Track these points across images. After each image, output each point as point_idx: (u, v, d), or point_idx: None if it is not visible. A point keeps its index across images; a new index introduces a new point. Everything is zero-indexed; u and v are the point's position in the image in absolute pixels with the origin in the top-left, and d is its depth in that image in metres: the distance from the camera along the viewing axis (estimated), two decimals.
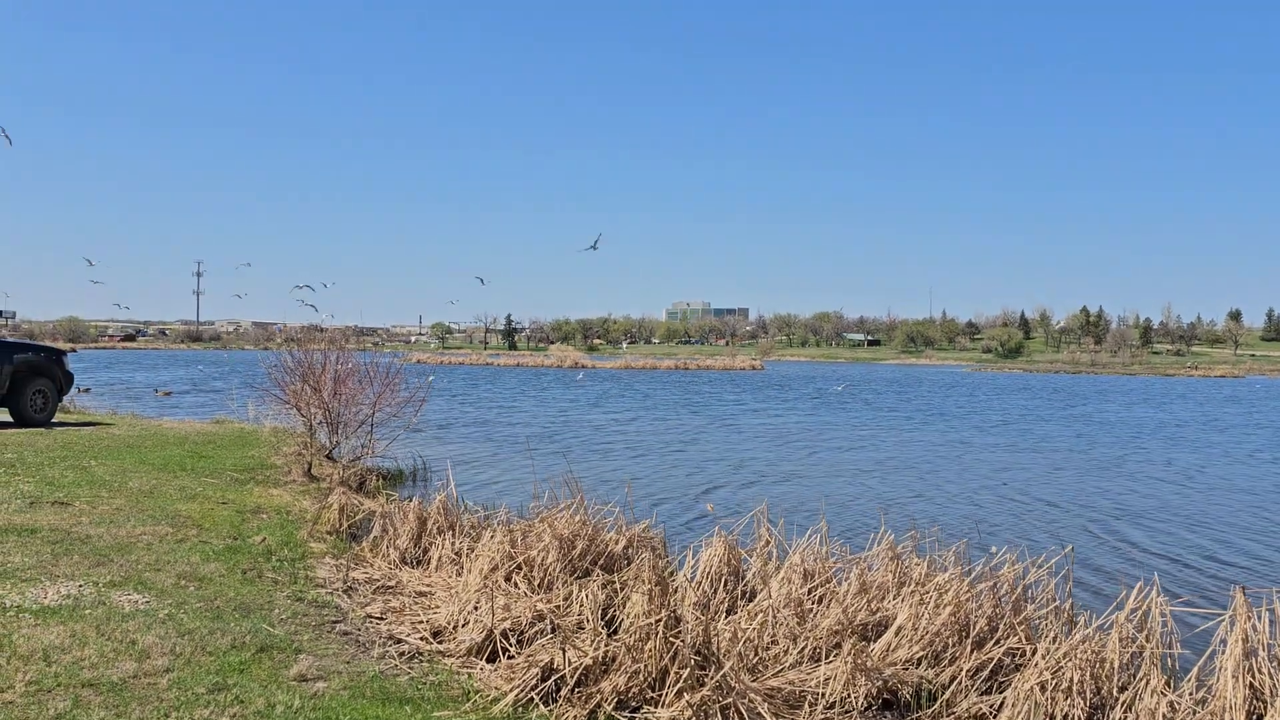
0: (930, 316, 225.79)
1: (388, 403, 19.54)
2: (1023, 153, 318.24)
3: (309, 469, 17.20)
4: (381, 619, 8.67)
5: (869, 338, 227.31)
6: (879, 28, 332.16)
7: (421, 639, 8.08)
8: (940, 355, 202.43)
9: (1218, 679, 6.75)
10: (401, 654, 7.70)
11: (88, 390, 27.68)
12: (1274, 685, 6.55)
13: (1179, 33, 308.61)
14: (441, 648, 7.89)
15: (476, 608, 8.27)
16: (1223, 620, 7.12)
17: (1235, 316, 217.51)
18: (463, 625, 8.13)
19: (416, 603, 9.20)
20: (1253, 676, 6.75)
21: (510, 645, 7.63)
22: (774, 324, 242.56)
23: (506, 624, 7.78)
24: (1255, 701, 6.63)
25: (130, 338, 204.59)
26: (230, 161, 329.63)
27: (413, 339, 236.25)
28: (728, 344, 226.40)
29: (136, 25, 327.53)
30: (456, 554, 10.75)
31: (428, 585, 9.93)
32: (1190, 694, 6.88)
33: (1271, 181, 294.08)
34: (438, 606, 8.92)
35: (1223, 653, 6.89)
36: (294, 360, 19.63)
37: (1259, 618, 7.04)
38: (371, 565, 10.74)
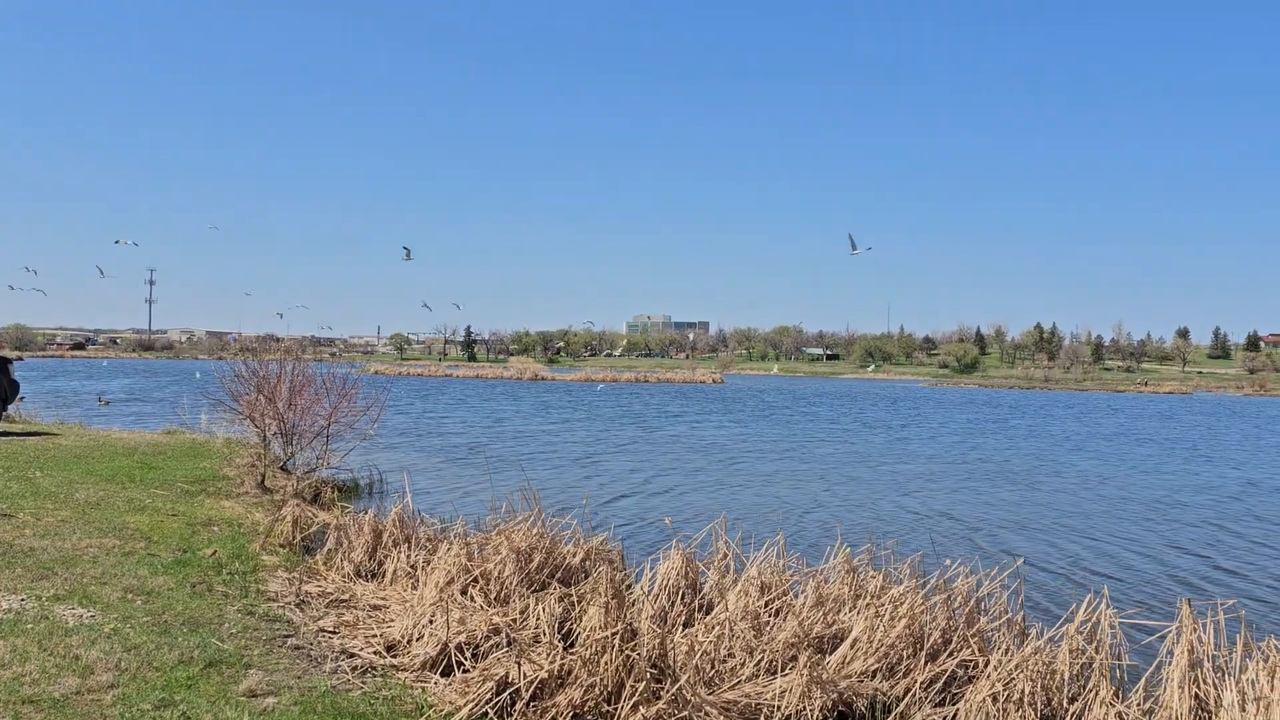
0: (888, 331, 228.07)
1: (344, 414, 19.33)
2: (980, 170, 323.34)
3: (262, 481, 16.96)
4: (334, 633, 8.55)
5: (828, 352, 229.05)
6: (839, 46, 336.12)
7: (375, 653, 7.98)
8: (898, 370, 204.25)
9: (1164, 690, 6.86)
10: (354, 668, 7.59)
11: (22, 399, 27.10)
12: (1218, 696, 6.66)
13: (1126, 53, 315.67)
14: (395, 662, 7.80)
15: (431, 621, 8.19)
16: (1169, 632, 7.23)
17: (1183, 334, 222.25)
18: (417, 639, 8.05)
19: (371, 616, 9.09)
20: (1198, 687, 6.87)
21: (465, 659, 7.56)
22: (734, 338, 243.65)
23: (462, 637, 7.71)
24: (1200, 712, 6.75)
25: (79, 346, 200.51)
26: (187, 170, 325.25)
27: (371, 349, 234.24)
28: (688, 357, 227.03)
29: (85, 31, 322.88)
30: (412, 567, 10.65)
31: (382, 599, 9.82)
32: (1138, 705, 6.98)
33: (1218, 204, 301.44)
34: (392, 620, 8.82)
35: (1169, 664, 7.00)
36: (248, 370, 19.35)
37: (1204, 629, 7.17)
38: (325, 578, 10.59)
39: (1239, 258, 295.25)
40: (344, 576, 10.68)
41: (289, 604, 9.36)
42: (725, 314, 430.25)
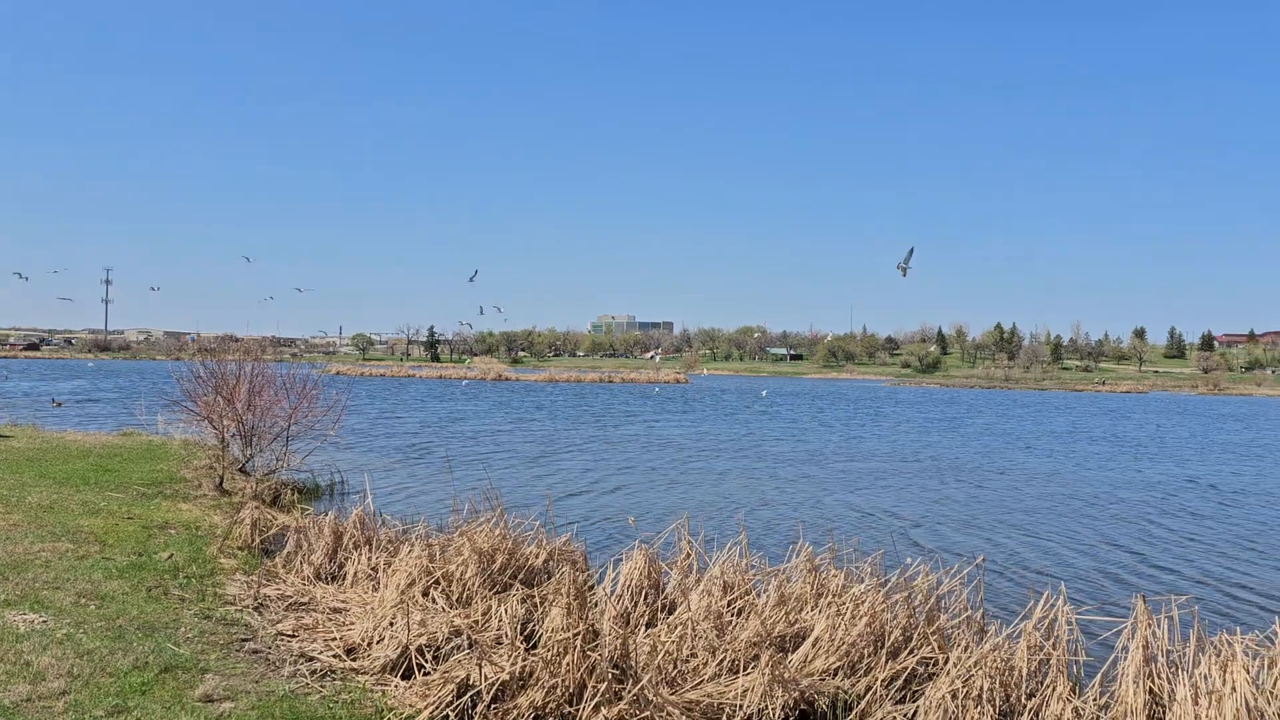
0: (851, 332, 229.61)
1: (304, 415, 19.11)
2: (941, 171, 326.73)
3: (220, 483, 16.73)
4: (293, 636, 8.45)
5: (792, 352, 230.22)
6: (803, 44, 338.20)
7: (335, 656, 7.89)
8: (861, 370, 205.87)
9: (1120, 685, 6.94)
10: (313, 672, 7.51)
11: None
12: (1172, 690, 6.76)
13: (1088, 51, 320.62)
14: (355, 665, 7.72)
15: (392, 624, 8.11)
16: (1124, 628, 7.33)
17: (1140, 335, 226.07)
18: (377, 642, 7.97)
19: (330, 619, 8.99)
20: (1152, 681, 6.96)
21: (426, 661, 7.50)
22: (698, 338, 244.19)
23: (422, 640, 7.64)
24: (1155, 706, 6.84)
25: (34, 346, 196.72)
26: (142, 172, 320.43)
27: (333, 349, 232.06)
28: (652, 357, 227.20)
29: (44, 40, 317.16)
30: (373, 569, 10.55)
31: (343, 601, 9.71)
32: (1094, 700, 7.07)
33: (1175, 207, 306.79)
34: (352, 623, 8.73)
35: (1125, 659, 7.09)
36: (206, 371, 19.08)
37: (1158, 624, 7.27)
38: (284, 581, 10.46)
39: (1194, 259, 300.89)
40: (304, 579, 10.55)
41: (247, 607, 9.23)
42: (689, 314, 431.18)
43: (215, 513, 14.31)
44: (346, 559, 10.98)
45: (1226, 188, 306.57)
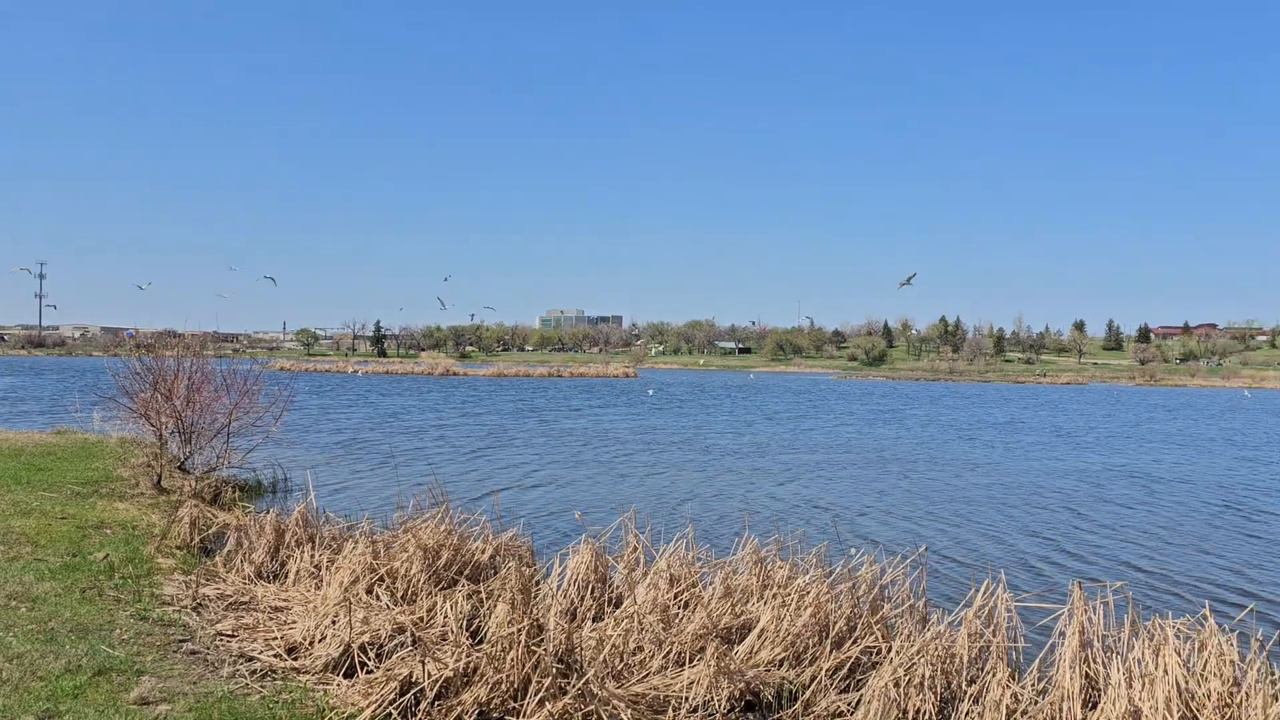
0: (799, 325, 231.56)
1: (246, 411, 18.78)
2: (885, 165, 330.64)
3: (159, 481, 16.38)
4: (233, 636, 8.30)
5: (740, 345, 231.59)
6: (746, 41, 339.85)
7: (275, 656, 7.76)
8: (808, 363, 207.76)
9: (1057, 669, 7.08)
10: (253, 672, 7.38)
11: None
12: (1107, 674, 6.91)
13: (1028, 39, 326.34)
14: (297, 664, 7.60)
15: (335, 622, 8.00)
16: (1062, 614, 7.48)
17: (1079, 327, 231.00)
18: (319, 640, 7.86)
19: (271, 618, 8.85)
20: (1088, 666, 7.11)
21: (369, 659, 7.41)
22: (647, 331, 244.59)
23: (365, 637, 7.55)
24: (1090, 690, 6.99)
25: None
26: (83, 162, 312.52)
27: (277, 345, 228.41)
28: (601, 351, 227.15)
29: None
30: (316, 567, 10.40)
31: (284, 600, 9.56)
32: (1032, 685, 7.20)
33: (1110, 200, 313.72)
34: (294, 622, 8.60)
35: (1062, 645, 7.23)
36: (144, 367, 18.65)
37: (1094, 610, 7.43)
38: (224, 580, 10.27)
39: (1132, 253, 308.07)
40: (244, 578, 10.37)
41: (185, 607, 9.05)
42: (639, 308, 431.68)
43: (153, 511, 14.01)
44: (289, 557, 10.81)
45: (1163, 183, 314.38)
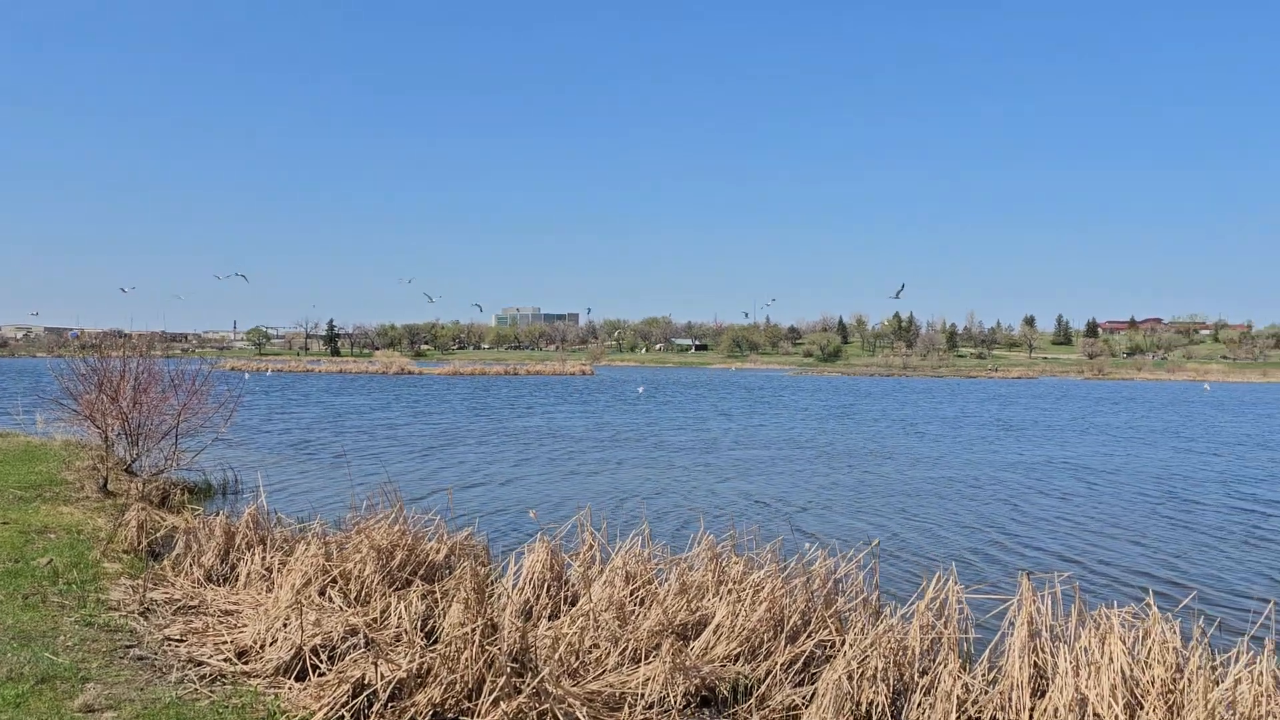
0: (755, 322, 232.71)
1: (194, 411, 18.47)
2: (841, 162, 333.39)
3: (105, 484, 16.06)
4: (181, 641, 8.16)
5: (697, 342, 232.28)
6: (705, 41, 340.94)
7: (225, 660, 7.65)
8: (765, 359, 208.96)
9: (1007, 659, 7.19)
10: (202, 677, 7.26)
11: None
12: (1055, 662, 7.03)
13: (983, 37, 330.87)
14: (247, 668, 7.49)
15: (286, 624, 7.90)
16: (1011, 605, 7.59)
17: (1030, 322, 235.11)
18: (270, 643, 7.75)
19: (221, 622, 8.71)
20: (1037, 655, 7.23)
21: (321, 662, 7.33)
22: (604, 329, 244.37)
23: (317, 640, 7.46)
24: (1039, 679, 7.11)
25: None
26: (23, 159, 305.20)
27: (227, 345, 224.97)
28: (558, 349, 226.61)
29: None
30: (267, 569, 10.26)
31: (234, 603, 9.42)
32: (983, 675, 7.31)
33: (1061, 197, 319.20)
34: (244, 625, 8.47)
35: (1011, 634, 7.34)
36: (88, 367, 18.27)
37: (1042, 600, 7.55)
38: (173, 585, 10.10)
39: (1081, 249, 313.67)
40: (193, 582, 10.21)
41: (132, 613, 8.88)
42: (595, 306, 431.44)
43: (99, 515, 13.73)
44: (239, 560, 10.66)
45: (1110, 181, 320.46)
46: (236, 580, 10.26)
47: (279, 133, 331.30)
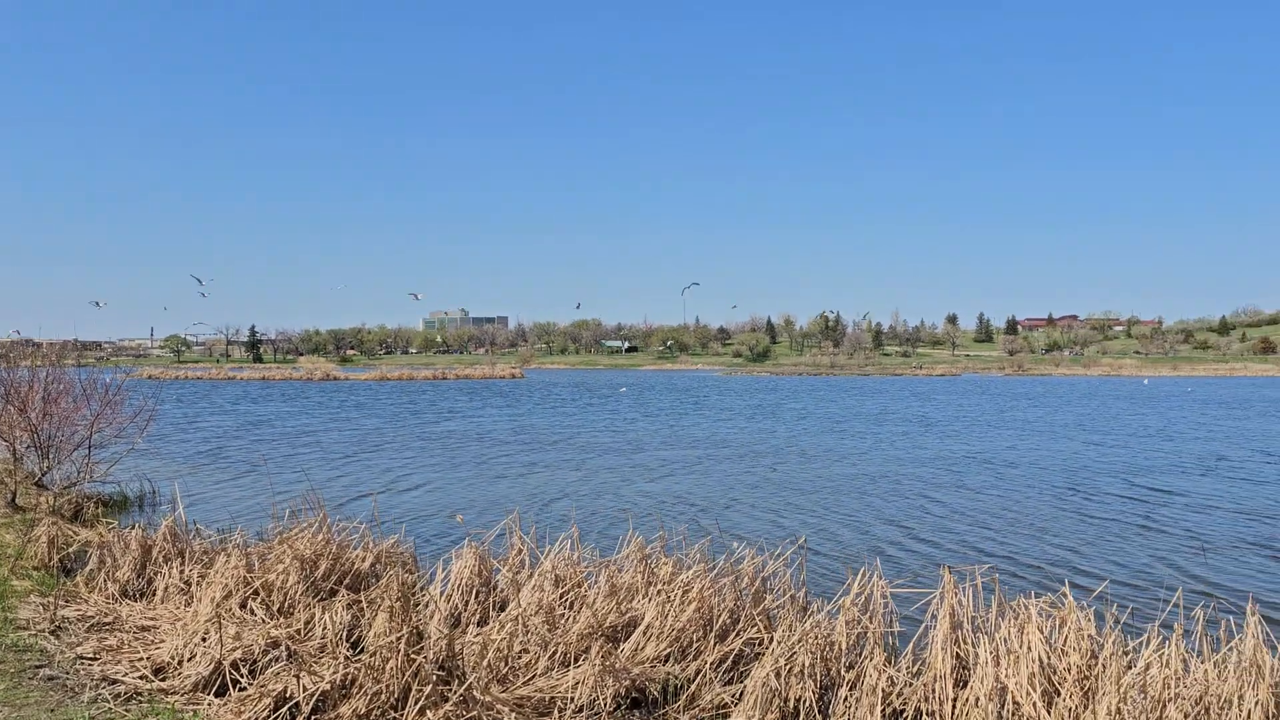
0: (684, 323, 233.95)
1: (108, 422, 17.89)
2: (766, 164, 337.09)
3: (13, 499, 15.48)
4: (95, 659, 7.89)
5: (627, 344, 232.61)
6: (630, 47, 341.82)
7: (141, 677, 7.41)
8: (695, 360, 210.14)
9: (930, 651, 7.32)
10: (117, 696, 7.03)
11: None
12: (976, 654, 7.18)
13: (907, 43, 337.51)
14: (165, 685, 7.27)
15: (205, 639, 7.69)
16: (933, 597, 7.73)
17: (952, 320, 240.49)
18: (189, 659, 7.54)
19: (137, 638, 8.44)
20: (959, 646, 7.37)
21: (242, 676, 7.15)
22: (534, 332, 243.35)
23: (238, 654, 7.28)
24: (961, 670, 7.25)
25: None
26: None
27: (144, 352, 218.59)
28: (487, 352, 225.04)
29: None
30: (186, 583, 9.99)
31: (152, 619, 9.14)
32: (907, 667, 7.43)
33: (981, 198, 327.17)
34: (162, 641, 8.23)
35: (934, 627, 7.48)
36: None
37: (963, 593, 7.71)
38: (86, 601, 9.77)
39: (1000, 247, 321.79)
40: (108, 598, 9.89)
41: (43, 631, 8.57)
42: (524, 308, 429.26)
43: (7, 531, 13.23)
44: (156, 574, 10.35)
45: (1026, 182, 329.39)
46: (153, 595, 9.97)
47: (194, 132, 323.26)
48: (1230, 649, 6.88)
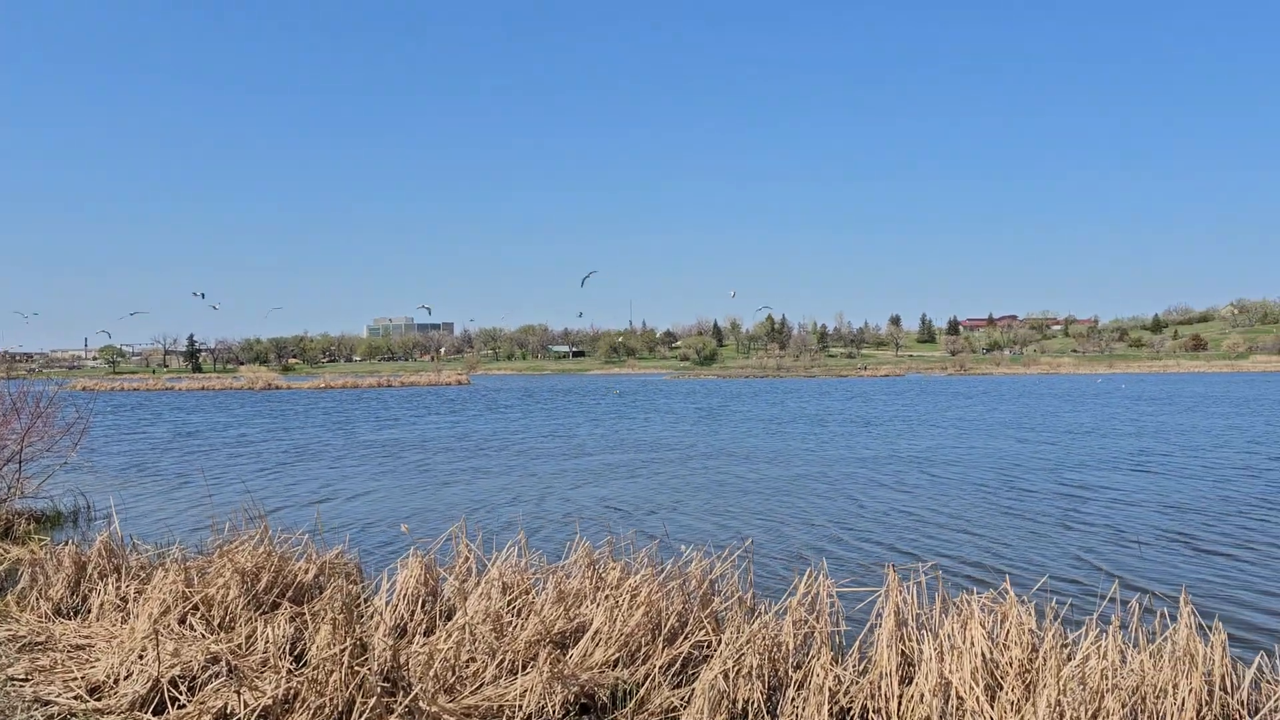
0: (631, 327, 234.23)
1: (40, 435, 17.40)
2: (712, 167, 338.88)
3: None
4: (26, 680, 7.66)
5: (574, 349, 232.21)
6: (562, 54, 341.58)
7: (75, 698, 7.21)
8: (642, 364, 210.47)
9: (875, 649, 7.40)
10: (50, 717, 6.84)
11: None
12: (921, 650, 7.27)
13: (840, 57, 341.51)
14: (100, 705, 7.08)
15: (142, 656, 7.51)
16: (879, 595, 7.82)
17: (895, 321, 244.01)
18: (125, 677, 7.35)
19: (72, 658, 8.21)
20: (904, 644, 7.46)
21: (181, 694, 6.99)
22: (480, 338, 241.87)
23: (176, 670, 7.12)
24: (906, 666, 7.34)
25: None
26: None
27: (78, 364, 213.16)
28: (433, 359, 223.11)
29: None
30: (122, 599, 9.74)
31: (86, 637, 8.90)
32: (854, 666, 7.50)
33: (921, 201, 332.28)
34: (97, 659, 8.01)
35: (879, 625, 7.57)
36: None
37: (908, 590, 7.80)
38: (17, 620, 9.49)
39: (941, 249, 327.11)
40: (40, 617, 9.61)
41: None
42: (470, 314, 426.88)
43: None
44: (91, 590, 10.09)
45: (965, 185, 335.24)
46: (88, 613, 9.71)
47: (131, 134, 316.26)
48: (1165, 639, 7.06)
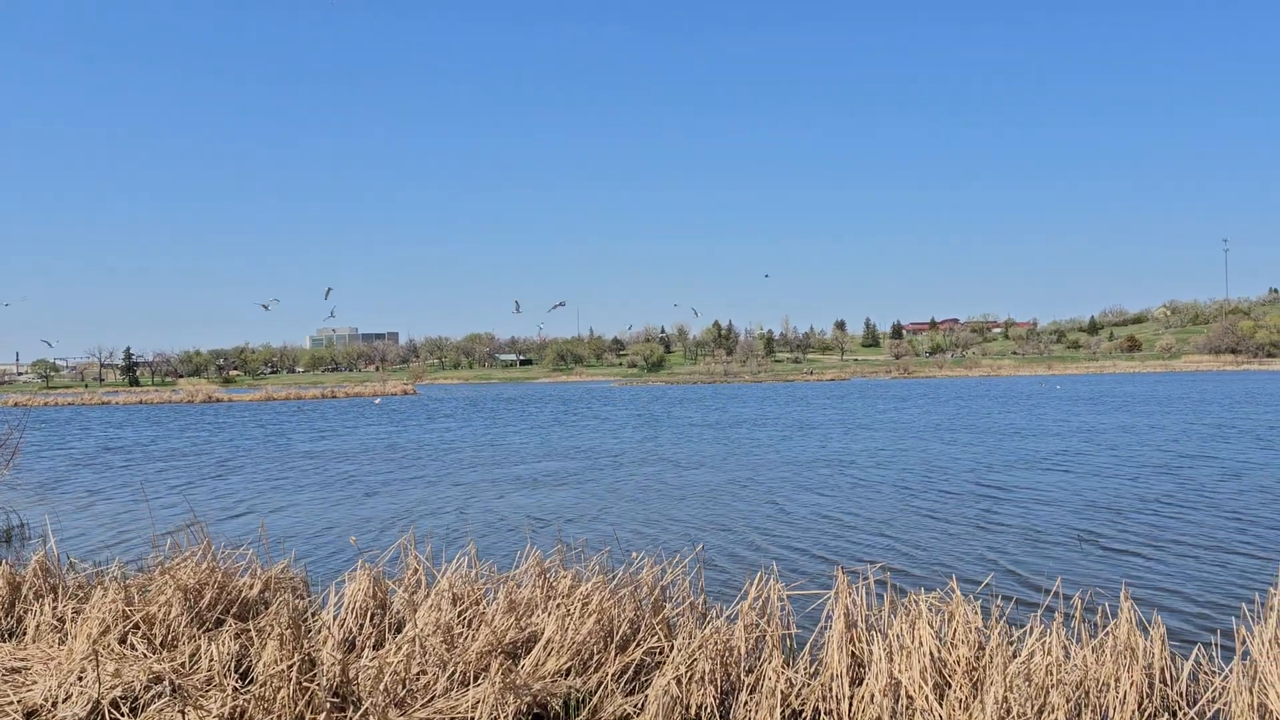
0: (579, 335, 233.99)
1: None
2: (655, 172, 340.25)
3: None
4: None
5: (522, 357, 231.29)
6: (509, 54, 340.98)
7: None
8: (590, 371, 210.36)
9: (826, 651, 7.47)
10: None
11: None
12: (871, 651, 7.35)
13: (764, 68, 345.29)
14: None
15: (81, 677, 7.31)
16: (829, 598, 7.90)
17: (840, 326, 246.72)
18: (64, 699, 7.15)
19: (6, 681, 7.97)
20: (854, 645, 7.54)
21: (123, 715, 6.82)
22: (425, 347, 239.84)
23: (117, 691, 6.94)
24: (857, 667, 7.42)
25: None
26: None
27: (9, 379, 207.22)
28: (378, 369, 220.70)
29: None
30: (59, 620, 9.48)
31: (22, 660, 8.64)
32: (805, 668, 7.57)
33: (862, 207, 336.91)
34: (34, 682, 7.78)
35: (830, 627, 7.64)
36: None
37: (857, 592, 7.89)
38: None
39: (883, 253, 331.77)
40: None
41: None
42: (415, 323, 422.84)
43: None
44: (27, 612, 9.80)
45: (907, 191, 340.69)
46: (24, 635, 9.43)
47: (60, 137, 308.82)
48: (1107, 634, 7.23)
